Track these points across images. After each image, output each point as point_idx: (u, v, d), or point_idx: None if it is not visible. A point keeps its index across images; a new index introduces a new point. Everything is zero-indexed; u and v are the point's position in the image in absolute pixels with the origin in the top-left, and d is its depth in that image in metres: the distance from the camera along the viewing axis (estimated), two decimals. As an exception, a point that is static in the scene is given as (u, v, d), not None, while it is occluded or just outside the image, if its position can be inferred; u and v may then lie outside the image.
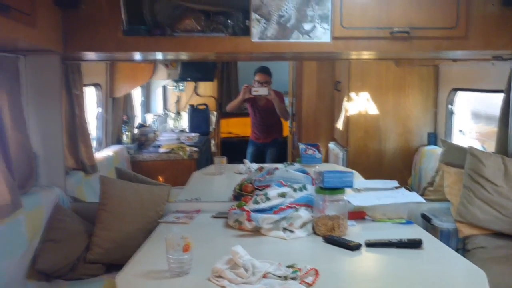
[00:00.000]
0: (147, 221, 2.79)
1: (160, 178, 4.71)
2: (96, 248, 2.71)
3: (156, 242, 2.32)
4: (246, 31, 2.60)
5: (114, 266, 2.70)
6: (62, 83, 2.99)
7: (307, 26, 2.55)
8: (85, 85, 3.67)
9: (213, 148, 6.72)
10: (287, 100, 6.62)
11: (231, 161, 5.54)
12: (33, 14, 2.14)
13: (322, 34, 2.55)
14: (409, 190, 4.29)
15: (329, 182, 2.32)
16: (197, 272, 1.86)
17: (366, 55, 3.19)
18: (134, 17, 2.64)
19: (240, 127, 7.56)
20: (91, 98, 4.18)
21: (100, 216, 2.77)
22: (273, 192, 2.53)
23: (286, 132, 6.52)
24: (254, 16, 2.54)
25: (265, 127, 5.71)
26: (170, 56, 3.33)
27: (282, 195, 2.51)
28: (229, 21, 2.63)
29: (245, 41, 2.57)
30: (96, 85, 4.18)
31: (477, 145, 3.65)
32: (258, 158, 5.98)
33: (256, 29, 2.55)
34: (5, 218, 2.35)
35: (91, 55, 2.96)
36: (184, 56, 3.33)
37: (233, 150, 7.01)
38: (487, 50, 2.63)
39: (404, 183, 4.48)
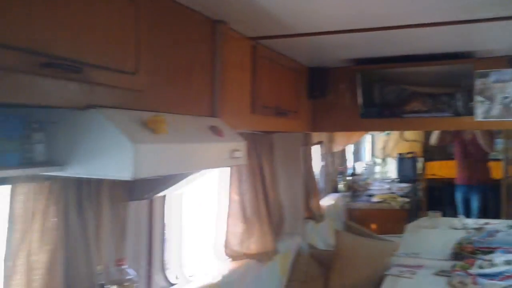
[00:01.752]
0: (375, 271, 3.23)
1: (373, 226, 5.11)
2: (333, 291, 3.27)
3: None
4: (469, 111, 2.89)
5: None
6: (303, 149, 3.70)
7: (531, 106, 2.73)
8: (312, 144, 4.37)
9: (419, 194, 6.87)
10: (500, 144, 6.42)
11: (436, 205, 5.62)
12: (298, 111, 2.85)
13: (547, 113, 2.70)
14: None
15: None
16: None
17: None
18: (367, 100, 3.18)
19: (444, 169, 7.54)
20: (315, 154, 4.87)
21: (335, 264, 3.33)
22: (498, 258, 2.73)
23: (496, 173, 6.31)
24: (478, 98, 2.84)
25: (470, 165, 5.70)
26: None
27: (509, 262, 2.68)
28: (452, 101, 2.96)
29: (468, 120, 2.87)
30: (320, 142, 4.87)
31: None
32: (466, 204, 5.95)
33: (480, 110, 2.83)
34: (269, 260, 3.07)
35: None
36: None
37: (438, 192, 7.05)
38: None
39: None
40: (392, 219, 5.07)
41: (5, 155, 1.16)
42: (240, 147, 1.74)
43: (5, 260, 1.47)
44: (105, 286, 1.76)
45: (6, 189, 1.44)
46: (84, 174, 1.27)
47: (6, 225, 1.48)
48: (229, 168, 2.87)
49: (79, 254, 1.66)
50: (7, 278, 1.47)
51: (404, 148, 7.42)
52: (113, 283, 1.80)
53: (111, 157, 1.19)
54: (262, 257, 3.02)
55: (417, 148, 7.58)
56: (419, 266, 3.21)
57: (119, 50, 1.29)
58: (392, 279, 3.01)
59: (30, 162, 1.23)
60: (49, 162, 1.25)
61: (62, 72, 1.09)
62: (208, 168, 1.63)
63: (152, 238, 2.21)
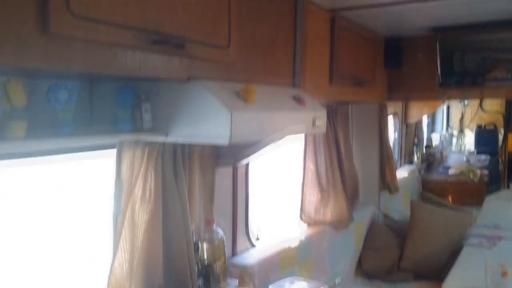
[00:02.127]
0: (451, 241, 3.22)
1: (449, 199, 5.00)
2: (408, 259, 3.31)
3: (467, 263, 2.74)
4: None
5: (421, 275, 3.25)
6: (378, 120, 3.70)
7: None
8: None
9: (500, 167, 6.57)
10: None
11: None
12: (374, 80, 2.87)
13: None
14: None
15: None
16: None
17: None
18: (446, 68, 3.11)
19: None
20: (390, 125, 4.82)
21: (410, 233, 3.35)
22: None
23: None
24: None
25: None
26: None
27: None
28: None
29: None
30: (394, 114, 4.81)
31: None
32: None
33: None
34: (344, 228, 3.16)
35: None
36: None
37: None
38: None
39: None
40: (470, 192, 4.94)
41: (120, 122, 1.33)
42: (320, 115, 1.82)
43: (114, 216, 1.67)
44: (198, 243, 1.95)
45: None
46: (185, 140, 1.42)
47: (113, 186, 1.68)
48: (304, 138, 2.97)
49: (175, 214, 1.83)
50: (117, 233, 1.68)
51: (483, 119, 7.09)
52: (204, 241, 1.98)
53: (209, 124, 1.33)
54: (337, 224, 3.11)
55: (497, 119, 7.21)
56: (499, 238, 3.16)
57: (215, 26, 1.41)
58: (471, 249, 3.00)
59: (139, 129, 1.39)
60: (155, 129, 1.41)
61: (169, 48, 1.22)
62: (291, 134, 1.73)
63: (236, 202, 2.37)
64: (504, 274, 2.21)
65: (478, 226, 3.44)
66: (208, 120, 1.33)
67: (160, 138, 1.43)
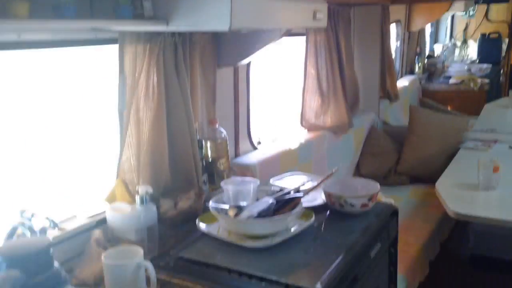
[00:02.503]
0: (447, 145, 3.29)
1: (449, 107, 5.04)
2: (405, 163, 3.41)
3: (462, 163, 2.83)
4: None
5: (417, 179, 3.36)
6: (380, 26, 3.64)
7: None
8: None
9: (501, 77, 6.52)
10: None
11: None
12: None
13: None
14: None
15: None
16: (502, 188, 2.32)
17: None
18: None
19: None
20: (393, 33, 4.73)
21: (408, 138, 3.42)
22: None
23: None
24: None
25: None
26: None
27: None
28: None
29: None
30: (397, 21, 4.70)
31: None
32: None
33: None
34: (344, 133, 3.22)
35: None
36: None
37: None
38: None
39: None
40: (470, 100, 4.95)
41: (120, 8, 1.31)
42: (321, 8, 1.79)
43: (119, 111, 1.70)
44: (202, 141, 2.00)
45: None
46: (186, 28, 1.41)
47: (117, 81, 1.69)
48: (305, 42, 2.94)
49: (179, 111, 1.86)
50: (123, 128, 1.71)
51: (488, 29, 6.93)
52: (207, 139, 2.04)
53: (209, 9, 1.31)
54: (337, 129, 3.17)
55: (502, 28, 7.04)
56: (494, 141, 3.23)
57: None
58: (466, 151, 3.09)
59: (140, 17, 1.38)
60: (156, 17, 1.40)
61: None
62: (292, 26, 1.72)
63: (238, 104, 2.40)
64: (495, 169, 2.30)
65: (475, 131, 3.50)
66: (208, 6, 1.31)
67: (160, 27, 1.42)
